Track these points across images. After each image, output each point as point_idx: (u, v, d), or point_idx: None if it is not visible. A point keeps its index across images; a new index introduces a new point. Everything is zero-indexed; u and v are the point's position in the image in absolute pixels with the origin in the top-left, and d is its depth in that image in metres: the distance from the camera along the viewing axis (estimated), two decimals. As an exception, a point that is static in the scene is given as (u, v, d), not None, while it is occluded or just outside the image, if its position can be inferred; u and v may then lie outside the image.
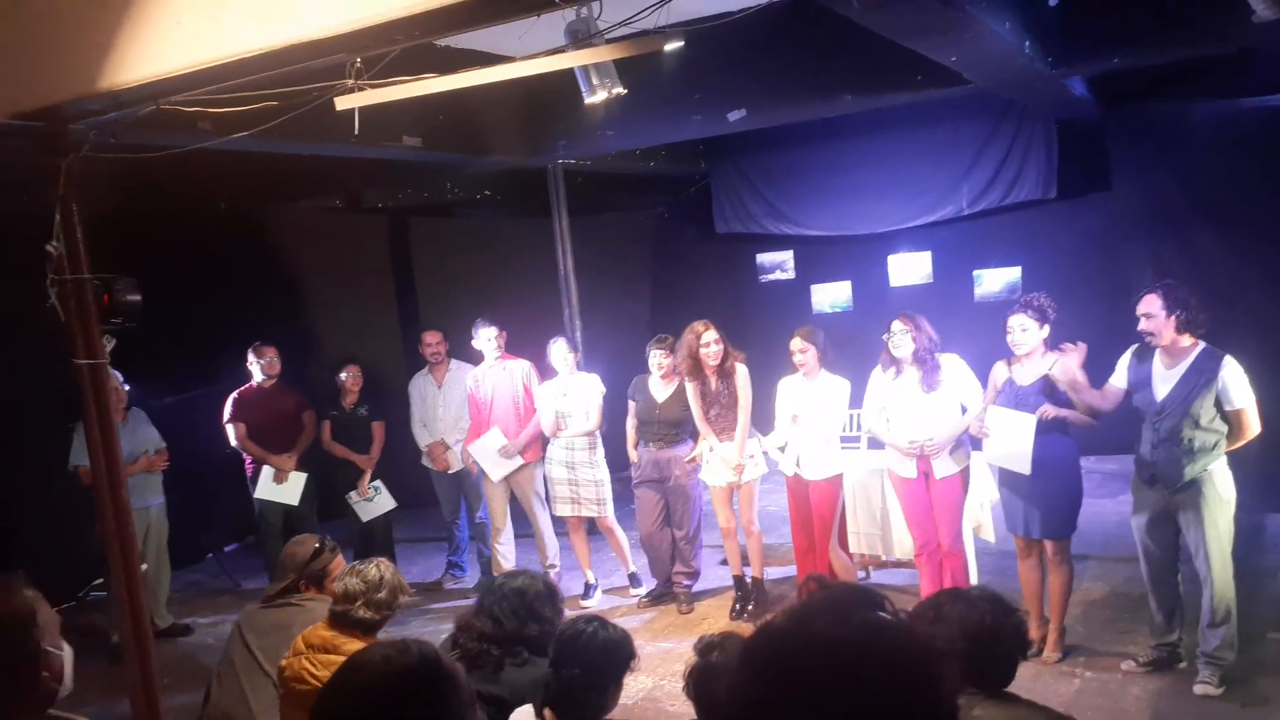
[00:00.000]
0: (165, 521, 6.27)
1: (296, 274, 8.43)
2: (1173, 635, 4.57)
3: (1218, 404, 4.21)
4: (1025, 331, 4.62)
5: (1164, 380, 4.33)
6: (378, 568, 3.17)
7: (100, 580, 6.15)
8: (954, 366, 4.92)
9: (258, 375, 6.52)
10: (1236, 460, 4.49)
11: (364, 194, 9.29)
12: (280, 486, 6.45)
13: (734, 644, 2.44)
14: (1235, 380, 4.21)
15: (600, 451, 6.10)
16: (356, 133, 4.31)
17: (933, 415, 4.88)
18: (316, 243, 8.73)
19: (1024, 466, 4.57)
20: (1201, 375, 4.23)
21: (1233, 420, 4.23)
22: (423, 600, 6.48)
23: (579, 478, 6.05)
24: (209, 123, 4.76)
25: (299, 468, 6.53)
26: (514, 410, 6.22)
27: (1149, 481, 4.41)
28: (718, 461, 5.66)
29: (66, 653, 1.97)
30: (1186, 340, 4.28)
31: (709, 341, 5.55)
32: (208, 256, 7.59)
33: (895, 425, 4.99)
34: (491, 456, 6.19)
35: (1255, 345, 6.32)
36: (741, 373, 5.58)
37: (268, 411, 6.52)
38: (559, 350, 6.08)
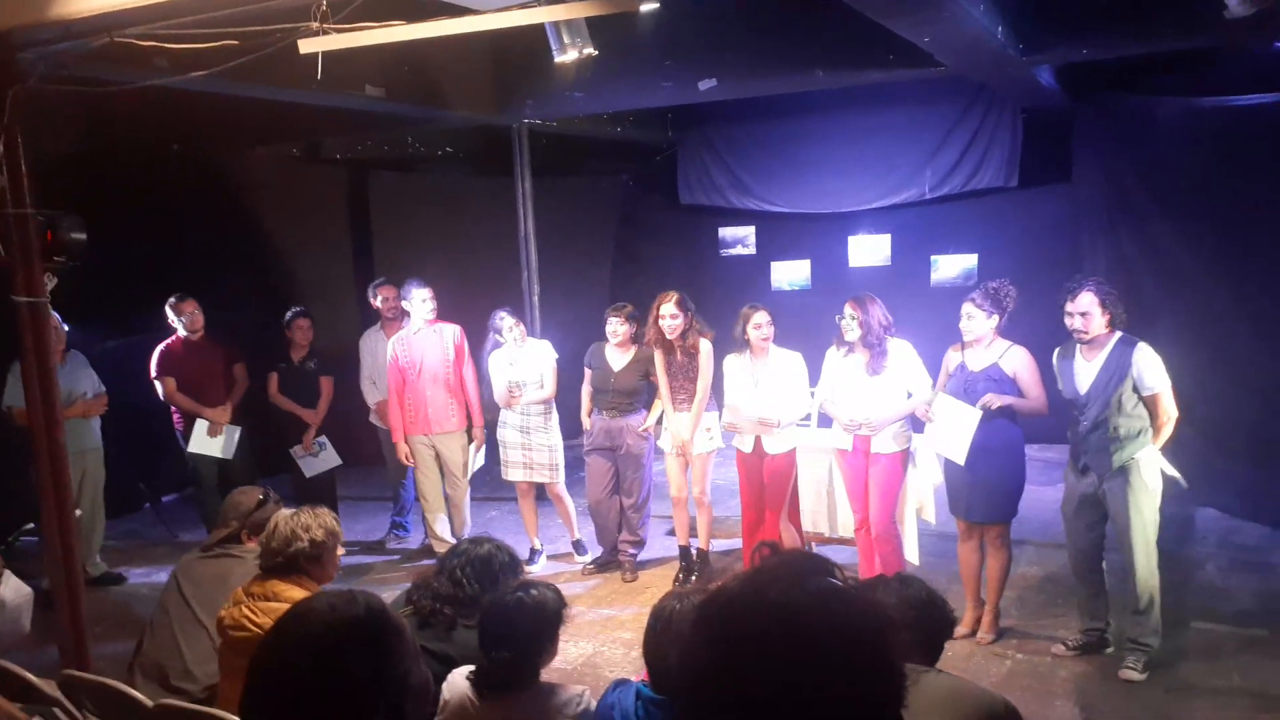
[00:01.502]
0: (102, 468, 6.12)
1: (250, 221, 8.23)
2: (1100, 621, 4.68)
3: (1136, 390, 4.33)
4: (971, 319, 4.68)
5: (1086, 371, 4.46)
6: (313, 512, 3.11)
7: (31, 525, 6.00)
8: (902, 353, 4.97)
9: (180, 330, 6.32)
10: (1169, 454, 4.61)
11: (323, 143, 9.08)
12: (213, 440, 6.30)
13: (687, 608, 2.45)
14: (1149, 365, 4.33)
15: (555, 418, 6.07)
16: (319, 78, 4.18)
17: (874, 398, 4.94)
18: (272, 191, 8.53)
19: (959, 457, 4.66)
20: (1118, 364, 4.36)
21: (1150, 405, 4.36)
22: (366, 559, 6.44)
23: (533, 442, 6.02)
24: (165, 60, 4.60)
25: (233, 420, 6.37)
26: (444, 375, 6.11)
27: (1081, 470, 4.53)
28: (673, 429, 5.67)
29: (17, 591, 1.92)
30: (1109, 332, 4.41)
31: (665, 314, 5.53)
32: (158, 199, 7.39)
33: (840, 403, 5.04)
34: (473, 460, 6.17)
35: (1205, 337, 6.52)
36: (705, 350, 5.57)
37: (196, 365, 6.32)
38: (505, 324, 5.98)
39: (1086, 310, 4.37)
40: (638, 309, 5.91)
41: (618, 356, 5.88)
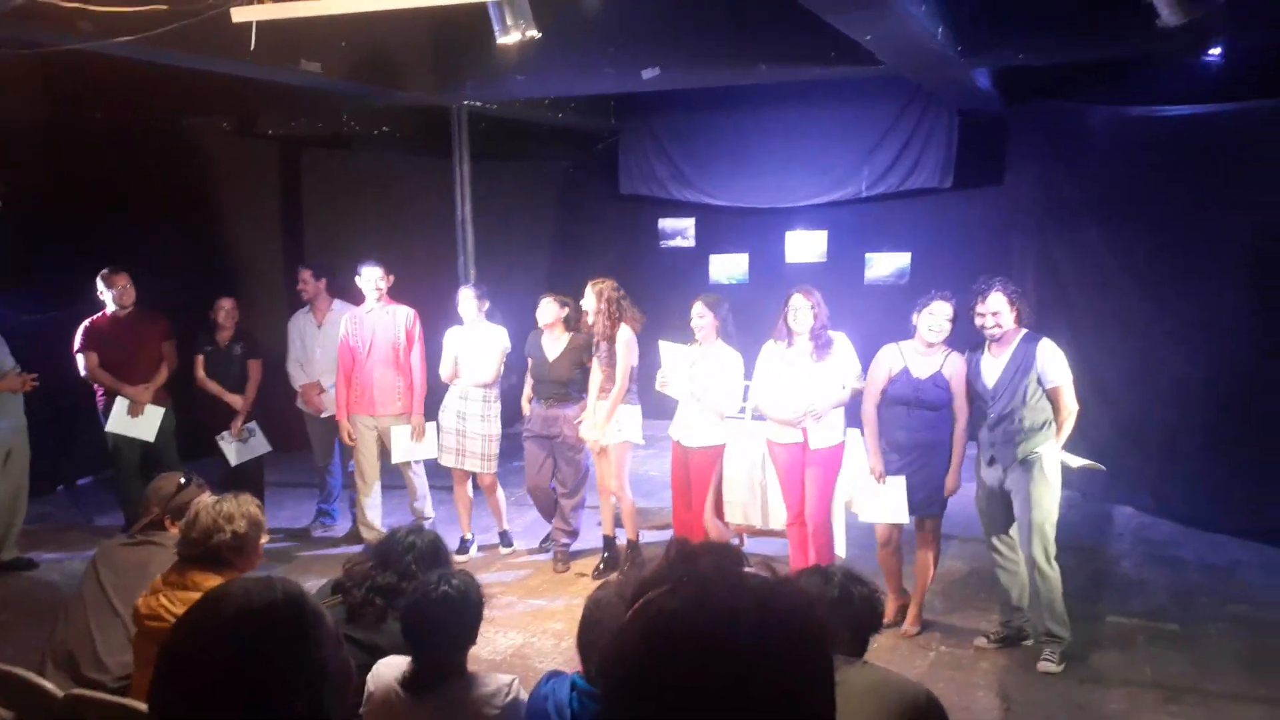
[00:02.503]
0: (27, 446, 5.87)
1: (176, 196, 7.95)
2: (1019, 614, 4.80)
3: (1040, 383, 4.49)
4: (949, 322, 4.73)
5: (992, 368, 4.60)
6: (235, 501, 3.03)
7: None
8: (842, 344, 5.02)
9: (110, 305, 6.09)
10: (1090, 452, 4.74)
11: (255, 118, 8.83)
12: (135, 420, 6.05)
13: (618, 600, 2.42)
14: (1051, 360, 4.49)
15: (496, 406, 5.99)
16: (252, 48, 4.06)
17: (821, 384, 4.97)
18: (200, 165, 8.26)
19: (903, 516, 4.82)
20: (1023, 359, 4.51)
21: (1052, 398, 4.51)
22: (291, 547, 6.30)
23: (468, 429, 5.94)
24: (89, 22, 4.42)
25: (158, 401, 6.16)
26: (393, 357, 6.03)
27: (989, 462, 4.65)
28: (591, 419, 5.67)
29: None
30: (1016, 329, 4.55)
31: (585, 294, 5.57)
32: (79, 169, 7.10)
33: (784, 394, 5.05)
34: (410, 449, 6.03)
35: (1126, 339, 6.72)
36: (622, 337, 5.56)
37: (124, 341, 6.09)
38: (466, 296, 5.96)
39: (997, 309, 4.51)
40: (569, 294, 5.90)
41: (552, 346, 5.85)
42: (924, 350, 4.77)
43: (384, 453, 6.15)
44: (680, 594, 1.00)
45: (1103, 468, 4.84)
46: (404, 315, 6.08)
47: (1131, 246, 6.74)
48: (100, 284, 6.07)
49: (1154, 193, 6.56)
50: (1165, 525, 6.54)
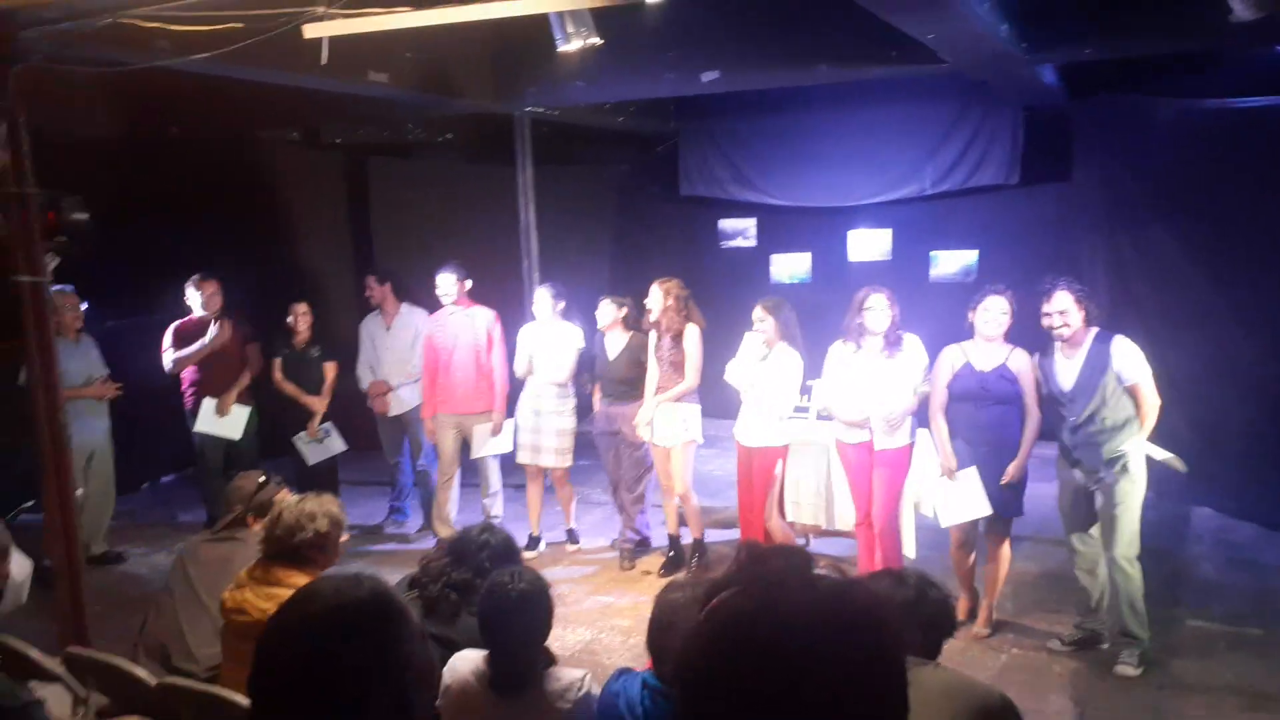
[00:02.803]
0: (110, 447, 6.12)
1: (249, 206, 8.20)
2: (1096, 617, 4.72)
3: (1119, 381, 4.40)
4: (1004, 315, 4.69)
5: (1067, 370, 4.52)
6: (317, 500, 3.13)
7: (31, 503, 6.00)
8: (913, 344, 4.98)
9: (197, 309, 6.33)
10: (1163, 445, 4.63)
11: (322, 128, 9.05)
12: (222, 420, 6.31)
13: (690, 601, 2.44)
14: (1128, 356, 4.41)
15: (571, 402, 6.10)
16: (324, 62, 4.18)
17: (892, 383, 4.92)
18: (271, 175, 8.50)
19: (985, 507, 4.71)
20: (1099, 358, 4.43)
21: (1133, 394, 4.42)
22: (363, 543, 6.45)
23: (542, 425, 6.04)
24: (168, 41, 4.59)
25: (243, 402, 6.39)
26: (474, 359, 6.16)
27: (1073, 464, 4.57)
28: (654, 420, 5.69)
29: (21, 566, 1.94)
30: (1086, 329, 4.47)
31: (650, 293, 5.62)
32: (158, 182, 7.35)
33: (853, 394, 5.01)
34: (489, 444, 6.18)
35: (1198, 337, 6.55)
36: (691, 333, 5.58)
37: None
38: (542, 295, 6.09)
39: (1064, 308, 4.44)
40: (636, 300, 5.95)
41: (613, 345, 5.92)
42: (985, 345, 4.72)
43: (463, 450, 6.30)
44: (751, 596, 1.02)
45: (1185, 468, 4.72)
46: (484, 317, 6.22)
47: (1201, 241, 6.57)
48: (189, 289, 6.32)
49: (1223, 186, 6.38)
50: (1247, 527, 6.35)
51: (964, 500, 4.76)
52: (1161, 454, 4.55)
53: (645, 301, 5.72)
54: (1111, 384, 4.41)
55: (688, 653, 1.03)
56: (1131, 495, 4.42)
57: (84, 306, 5.85)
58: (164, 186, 7.41)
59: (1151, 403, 4.43)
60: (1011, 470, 4.68)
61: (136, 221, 7.05)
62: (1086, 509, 4.58)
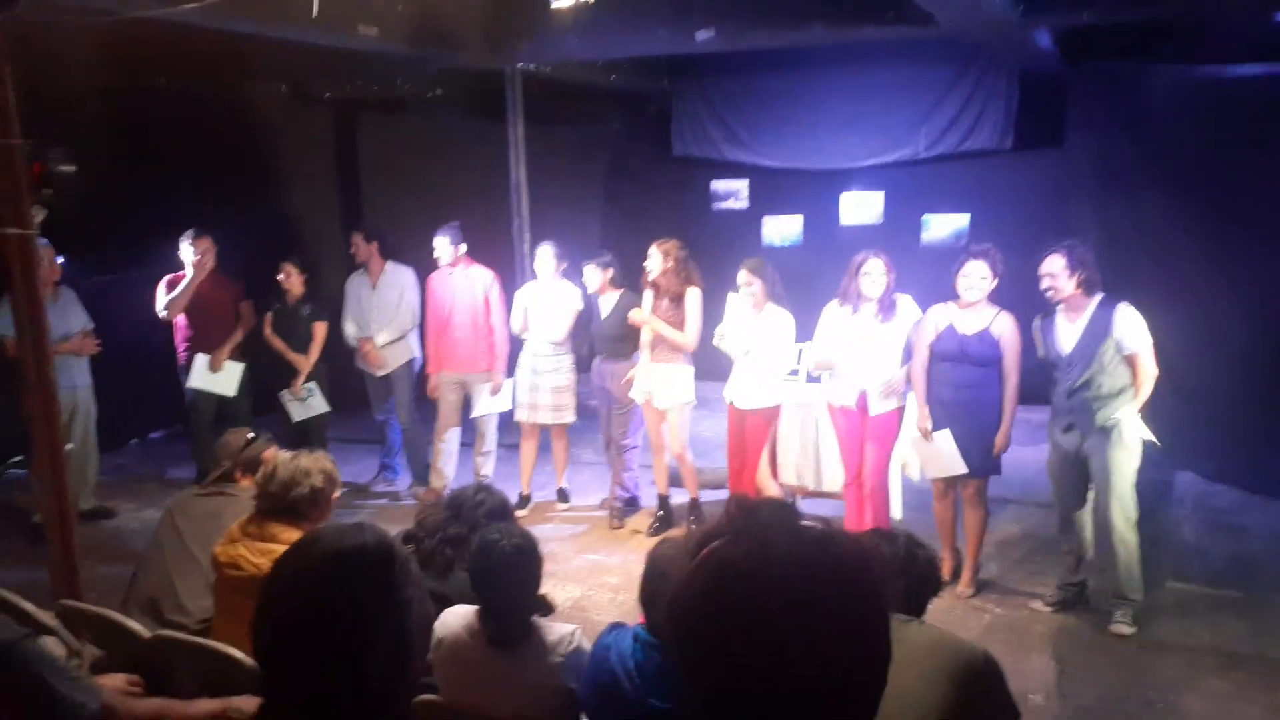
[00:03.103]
0: (93, 403, 6.10)
1: (238, 160, 8.11)
2: (1078, 577, 4.80)
3: (1118, 349, 4.43)
4: (984, 280, 4.71)
5: (1068, 334, 4.54)
6: (311, 456, 3.14)
7: (19, 458, 5.99)
8: (907, 307, 4.99)
9: (189, 265, 6.28)
10: (1152, 418, 4.67)
11: (311, 83, 8.93)
12: (215, 376, 6.31)
13: (681, 556, 2.47)
14: (1130, 325, 4.43)
15: (568, 359, 6.13)
16: (315, 15, 4.12)
17: (886, 348, 4.95)
18: (259, 129, 8.39)
19: (960, 466, 4.77)
20: (1100, 324, 4.45)
21: (1131, 363, 4.45)
22: (353, 500, 6.47)
23: (540, 383, 6.08)
24: (155, -10, 4.52)
25: (236, 358, 6.37)
26: (471, 319, 6.18)
27: (1065, 429, 4.60)
28: (646, 380, 5.71)
29: None
30: (1085, 295, 4.48)
31: (649, 254, 5.62)
32: (146, 135, 7.26)
33: (848, 357, 5.04)
34: (489, 403, 6.21)
35: (1188, 303, 6.57)
36: (692, 295, 5.58)
37: (200, 301, 6.31)
38: (544, 253, 6.08)
39: (1053, 272, 4.47)
40: (626, 259, 5.95)
41: (605, 303, 5.95)
42: (969, 308, 4.74)
43: (464, 407, 6.35)
44: (740, 543, 1.04)
45: (1160, 445, 4.77)
46: (483, 277, 6.23)
47: (1194, 209, 6.57)
48: (183, 243, 6.26)
49: (1219, 155, 6.37)
50: (1228, 492, 6.44)
51: (941, 459, 4.83)
52: (1146, 433, 4.59)
53: (645, 263, 5.69)
54: (1110, 351, 4.43)
55: (678, 601, 1.05)
56: (1126, 462, 4.47)
57: (60, 260, 5.76)
58: (152, 140, 7.32)
59: (1149, 372, 4.45)
60: (999, 442, 4.73)
61: (125, 175, 6.98)
62: (1078, 474, 4.63)
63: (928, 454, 4.90)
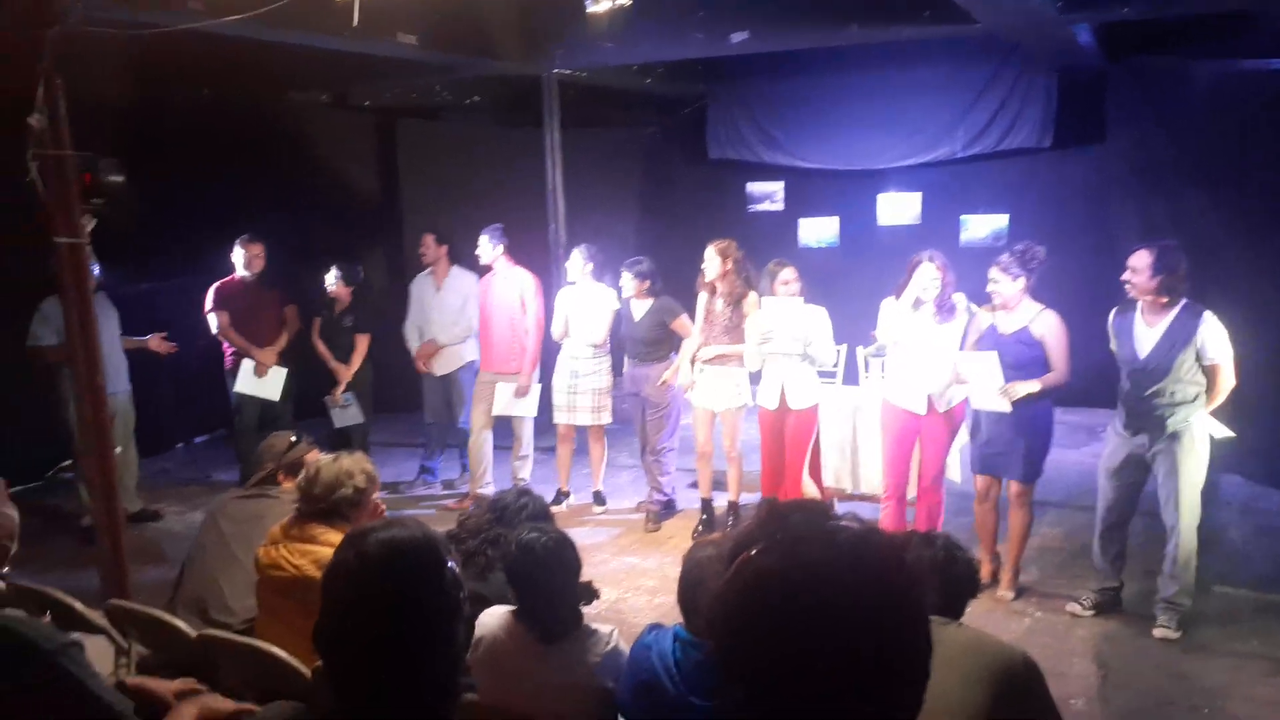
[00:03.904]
0: (132, 408, 6.21)
1: (278, 168, 8.25)
2: (1115, 581, 4.73)
3: (1198, 358, 4.33)
4: (997, 284, 4.69)
5: (1147, 336, 4.43)
6: (352, 458, 3.18)
7: (68, 462, 6.13)
8: (964, 307, 4.93)
9: (240, 268, 6.43)
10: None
11: (351, 91, 9.07)
12: (260, 380, 6.42)
13: (719, 559, 2.49)
14: (1214, 335, 4.32)
15: (607, 362, 6.16)
16: (355, 23, 4.19)
17: (944, 350, 4.88)
18: (301, 138, 8.53)
19: (1006, 405, 4.66)
20: (1183, 331, 4.34)
21: (1209, 374, 4.36)
22: (395, 501, 6.55)
23: (579, 386, 6.11)
24: (201, 3, 4.62)
25: (280, 363, 6.49)
26: (509, 320, 6.25)
27: (1134, 432, 4.51)
28: (704, 383, 5.71)
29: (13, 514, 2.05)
30: (1166, 299, 4.36)
31: (706, 257, 5.62)
32: (190, 144, 7.41)
33: (902, 358, 4.99)
34: (510, 403, 6.24)
35: (1232, 304, 6.43)
36: (752, 301, 5.55)
37: (249, 305, 6.46)
38: (575, 258, 6.13)
39: (1136, 267, 4.37)
40: (662, 263, 5.96)
41: (638, 307, 5.97)
42: (1005, 308, 4.70)
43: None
44: (773, 553, 1.04)
45: (1233, 434, 4.68)
46: (522, 280, 6.29)
47: (1238, 208, 6.45)
48: (237, 246, 6.42)
49: (1262, 152, 6.25)
50: (1276, 495, 6.32)
51: (987, 385, 4.68)
52: (1220, 431, 4.51)
53: (703, 265, 5.68)
54: (1189, 360, 4.33)
55: (717, 611, 1.06)
56: (1194, 468, 4.40)
57: (96, 270, 5.87)
58: (196, 149, 7.47)
59: (1228, 383, 4.36)
60: (1013, 388, 4.60)
61: (170, 184, 7.11)
62: (1133, 475, 4.56)
63: (974, 374, 4.74)
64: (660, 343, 5.91)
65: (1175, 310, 4.37)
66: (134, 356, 6.25)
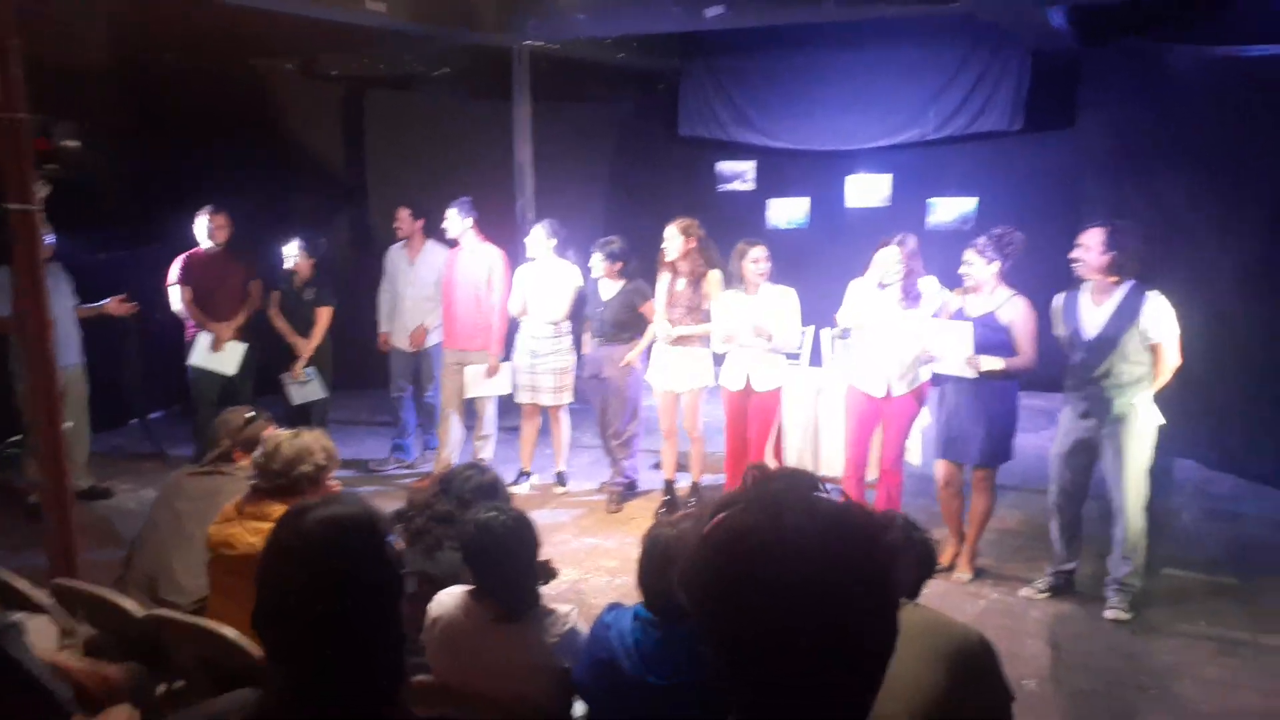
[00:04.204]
0: (85, 382, 6.08)
1: (244, 137, 8.09)
2: (1071, 563, 4.79)
3: (1143, 337, 4.38)
4: (970, 265, 4.71)
5: (1093, 316, 4.48)
6: (311, 434, 3.14)
7: (17, 437, 5.99)
8: (933, 291, 4.94)
9: (204, 240, 6.31)
10: (1155, 403, 4.65)
11: (319, 60, 8.89)
12: (217, 355, 6.32)
13: (685, 535, 2.48)
14: (1159, 314, 4.37)
15: (567, 340, 6.10)
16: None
17: (908, 334, 4.88)
18: (267, 106, 8.37)
19: (971, 372, 4.68)
20: (1130, 310, 4.39)
21: (1155, 353, 4.40)
22: (365, 481, 6.49)
23: (539, 365, 6.06)
24: (159, -35, 4.49)
25: (240, 338, 6.38)
26: (474, 297, 6.18)
27: (1082, 415, 4.56)
28: (666, 364, 5.69)
29: None
30: (1115, 278, 4.41)
31: (667, 235, 5.56)
32: (152, 111, 7.24)
33: (866, 340, 5.01)
34: (482, 385, 6.18)
35: (1197, 288, 6.52)
36: (714, 278, 5.54)
37: (213, 277, 6.36)
38: (538, 233, 6.05)
39: (1086, 244, 4.42)
40: (630, 241, 5.91)
41: (608, 287, 5.90)
42: (974, 292, 4.72)
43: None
44: (752, 511, 1.05)
45: (1162, 420, 4.75)
46: (489, 256, 6.21)
47: (1206, 193, 6.50)
48: (200, 220, 6.29)
49: (1233, 137, 6.30)
50: (1227, 480, 6.42)
51: (954, 352, 4.70)
52: (1158, 418, 4.56)
53: (662, 244, 5.64)
54: (1136, 339, 4.37)
55: (690, 568, 1.06)
56: (1141, 448, 4.45)
57: (50, 239, 5.71)
58: (159, 116, 7.31)
59: (1172, 363, 4.40)
60: (976, 360, 4.62)
61: (131, 151, 6.97)
62: (1084, 458, 4.61)
63: (944, 341, 4.76)
64: (628, 325, 5.87)
65: (1124, 290, 4.41)
66: (93, 329, 6.12)
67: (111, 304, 6.08)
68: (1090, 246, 4.40)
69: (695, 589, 1.04)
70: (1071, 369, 4.59)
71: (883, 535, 1.06)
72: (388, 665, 1.37)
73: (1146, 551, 4.58)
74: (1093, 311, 4.48)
